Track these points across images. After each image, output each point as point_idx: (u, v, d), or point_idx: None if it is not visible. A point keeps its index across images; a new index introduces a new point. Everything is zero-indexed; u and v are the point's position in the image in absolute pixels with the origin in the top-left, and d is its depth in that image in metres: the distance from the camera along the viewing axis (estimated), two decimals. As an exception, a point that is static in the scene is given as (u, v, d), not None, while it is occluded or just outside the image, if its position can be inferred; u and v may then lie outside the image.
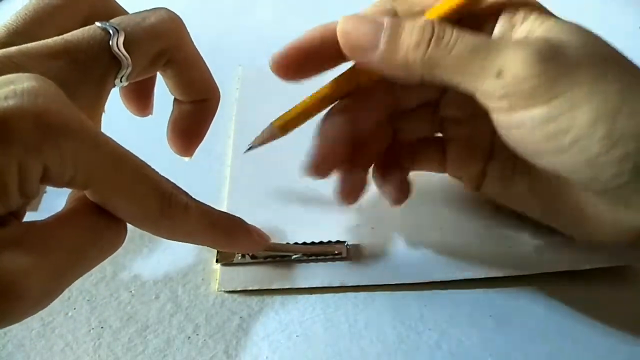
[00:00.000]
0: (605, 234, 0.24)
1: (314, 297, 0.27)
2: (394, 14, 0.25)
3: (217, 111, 0.38)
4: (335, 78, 0.26)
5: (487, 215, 0.31)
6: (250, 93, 0.41)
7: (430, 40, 0.22)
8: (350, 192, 0.27)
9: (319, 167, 0.26)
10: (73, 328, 0.25)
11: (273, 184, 0.33)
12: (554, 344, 0.25)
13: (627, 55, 0.23)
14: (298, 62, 0.26)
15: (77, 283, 0.27)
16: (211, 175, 0.34)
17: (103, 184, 0.18)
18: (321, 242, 0.29)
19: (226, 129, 0.37)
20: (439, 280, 0.27)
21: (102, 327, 0.25)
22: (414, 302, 0.27)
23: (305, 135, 0.36)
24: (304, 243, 0.29)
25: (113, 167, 0.18)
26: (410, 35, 0.22)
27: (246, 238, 0.23)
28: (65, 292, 0.26)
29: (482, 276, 0.27)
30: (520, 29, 0.23)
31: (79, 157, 0.16)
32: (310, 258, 0.28)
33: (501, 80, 0.21)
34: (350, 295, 0.27)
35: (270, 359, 0.24)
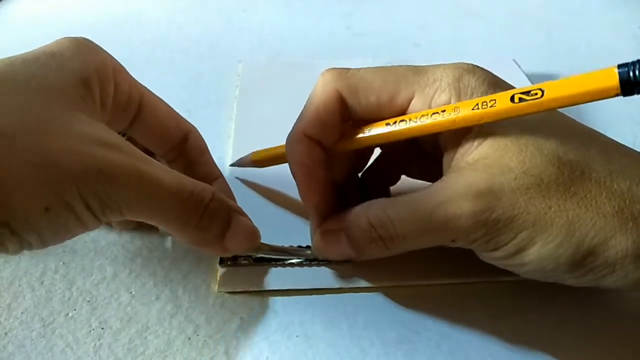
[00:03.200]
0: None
1: (313, 298, 0.27)
2: (339, 102, 0.25)
3: (217, 111, 0.39)
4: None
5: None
6: (250, 90, 0.40)
7: (385, 244, 0.24)
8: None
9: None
10: (74, 329, 0.25)
11: (274, 184, 0.33)
12: (553, 344, 0.25)
13: (577, 160, 0.23)
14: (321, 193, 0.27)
15: (78, 283, 0.27)
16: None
17: (142, 216, 0.22)
18: None
19: (226, 129, 0.37)
20: (439, 282, 0.27)
21: (102, 328, 0.25)
22: (414, 302, 0.27)
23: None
24: (307, 247, 0.29)
25: (149, 202, 0.22)
26: (370, 247, 0.25)
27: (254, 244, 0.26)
28: (66, 293, 0.26)
29: (482, 280, 0.27)
30: (458, 153, 0.24)
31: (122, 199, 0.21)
32: (312, 262, 0.28)
33: (457, 244, 0.23)
34: (350, 295, 0.27)
35: (271, 359, 0.24)
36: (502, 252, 0.23)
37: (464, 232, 0.22)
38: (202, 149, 0.29)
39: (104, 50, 0.25)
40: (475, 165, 0.23)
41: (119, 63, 0.26)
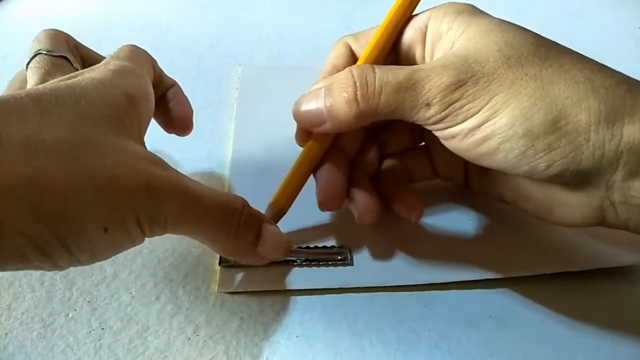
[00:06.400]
0: (572, 217, 0.24)
1: (313, 298, 0.27)
2: (350, 54, 0.29)
3: (217, 111, 0.39)
4: (312, 140, 0.28)
5: (487, 217, 0.31)
6: (250, 92, 0.41)
7: (356, 95, 0.25)
8: (371, 214, 0.28)
9: (330, 205, 0.28)
10: (74, 329, 0.25)
11: (274, 185, 0.33)
12: (554, 344, 0.25)
13: (554, 44, 0.24)
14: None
15: (78, 284, 0.27)
16: (211, 176, 0.34)
17: (186, 229, 0.23)
18: (324, 247, 0.29)
19: (226, 129, 0.37)
20: (439, 282, 0.27)
21: (102, 329, 0.25)
22: (413, 303, 0.27)
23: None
24: (307, 247, 0.29)
25: (193, 215, 0.22)
26: (341, 98, 0.25)
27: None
28: (66, 293, 0.26)
29: (482, 278, 0.28)
30: (444, 40, 0.26)
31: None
32: (312, 263, 0.28)
33: (431, 110, 0.24)
34: (350, 295, 0.27)
35: (270, 359, 0.24)
36: (473, 122, 0.23)
37: (442, 93, 0.23)
38: (159, 67, 0.29)
39: (144, 67, 0.26)
40: (463, 43, 0.25)
41: (152, 62, 0.27)
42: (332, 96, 0.26)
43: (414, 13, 0.29)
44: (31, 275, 0.27)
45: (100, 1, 0.53)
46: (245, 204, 0.24)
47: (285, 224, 0.27)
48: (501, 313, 0.27)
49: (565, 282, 0.28)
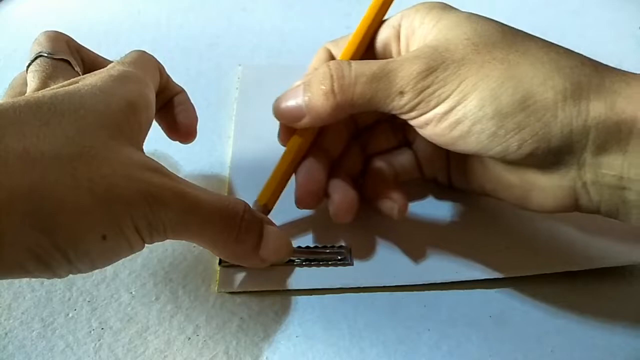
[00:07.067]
0: (546, 201, 0.25)
1: (313, 298, 0.27)
2: (330, 58, 0.30)
3: (217, 111, 0.39)
4: (295, 136, 0.29)
5: (486, 217, 0.31)
6: (250, 92, 0.41)
7: (333, 87, 0.25)
8: (346, 211, 0.28)
9: (306, 202, 0.28)
10: (74, 329, 0.25)
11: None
12: (554, 344, 0.25)
13: (521, 32, 0.25)
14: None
15: (78, 284, 0.27)
16: (211, 176, 0.34)
17: (186, 235, 0.23)
18: (324, 247, 0.29)
19: (226, 129, 0.37)
20: (439, 282, 0.27)
21: (102, 328, 0.25)
22: (413, 303, 0.27)
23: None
24: (307, 247, 0.29)
25: (194, 220, 0.22)
26: (318, 91, 0.26)
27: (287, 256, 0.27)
28: (66, 293, 0.26)
29: (482, 277, 0.28)
30: (417, 35, 0.27)
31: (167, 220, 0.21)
32: (312, 263, 0.28)
33: (404, 97, 0.24)
34: (350, 295, 0.27)
35: (270, 359, 0.24)
36: (445, 106, 0.24)
37: (414, 80, 0.24)
38: (166, 74, 0.29)
39: (149, 74, 0.26)
40: (434, 35, 0.26)
41: (160, 68, 0.28)
42: (310, 90, 0.26)
43: (388, 16, 0.30)
44: (31, 275, 0.27)
45: (100, 1, 0.53)
46: (246, 207, 0.24)
47: (286, 224, 0.27)
48: (501, 313, 0.27)
49: (565, 282, 0.28)
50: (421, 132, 0.26)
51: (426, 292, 0.27)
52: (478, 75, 0.23)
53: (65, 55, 0.25)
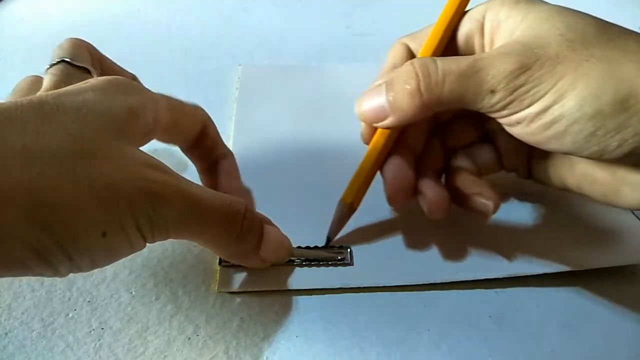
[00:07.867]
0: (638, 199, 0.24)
1: (313, 298, 0.27)
2: (408, 53, 0.29)
3: (217, 111, 0.39)
4: (378, 134, 0.28)
5: (485, 217, 0.31)
6: (250, 92, 0.41)
7: (419, 86, 0.25)
8: (440, 207, 0.28)
9: (398, 199, 0.28)
10: (74, 329, 0.25)
11: (274, 185, 0.33)
12: (554, 344, 0.25)
13: (615, 25, 0.24)
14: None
15: (78, 284, 0.27)
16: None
17: (188, 234, 0.23)
18: (324, 247, 0.29)
19: (226, 129, 0.37)
20: (439, 282, 0.27)
21: (102, 328, 0.25)
22: (414, 302, 0.27)
23: (304, 135, 0.36)
24: (307, 247, 0.29)
25: (195, 219, 0.22)
26: (403, 90, 0.25)
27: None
28: (66, 293, 0.26)
29: (482, 277, 0.28)
30: (503, 28, 0.26)
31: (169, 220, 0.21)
32: (312, 263, 0.28)
33: (496, 96, 0.24)
34: (350, 295, 0.27)
35: (270, 359, 0.24)
36: (539, 106, 0.23)
37: (506, 78, 0.23)
38: (216, 135, 0.29)
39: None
40: (523, 31, 0.25)
41: (206, 120, 0.29)
42: (393, 90, 0.26)
43: (468, 8, 0.29)
44: (31, 275, 0.27)
45: (100, 1, 0.53)
46: (247, 207, 0.24)
47: (285, 224, 0.27)
48: (501, 313, 0.27)
49: (565, 282, 0.28)
50: (510, 130, 0.25)
51: (426, 292, 0.27)
52: (576, 74, 0.22)
53: (86, 64, 0.25)
